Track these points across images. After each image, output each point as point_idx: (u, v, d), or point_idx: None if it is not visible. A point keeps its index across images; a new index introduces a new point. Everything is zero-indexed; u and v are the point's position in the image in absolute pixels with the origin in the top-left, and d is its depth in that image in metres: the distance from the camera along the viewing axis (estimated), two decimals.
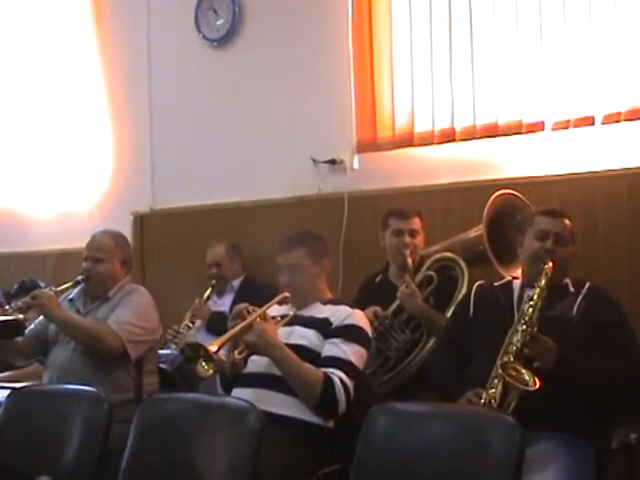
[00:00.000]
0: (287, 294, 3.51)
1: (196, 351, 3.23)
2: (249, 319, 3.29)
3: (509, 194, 3.96)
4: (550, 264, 3.19)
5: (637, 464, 3.14)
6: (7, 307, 3.92)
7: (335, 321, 3.39)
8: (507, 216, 3.83)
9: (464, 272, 3.90)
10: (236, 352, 3.33)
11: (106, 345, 3.76)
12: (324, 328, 3.38)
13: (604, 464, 3.02)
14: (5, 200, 6.56)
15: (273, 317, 3.45)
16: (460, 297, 3.77)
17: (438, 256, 4.02)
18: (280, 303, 3.54)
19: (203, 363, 3.19)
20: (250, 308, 3.36)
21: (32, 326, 4.07)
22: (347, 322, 3.38)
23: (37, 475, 2.69)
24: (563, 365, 2.95)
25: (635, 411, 3.22)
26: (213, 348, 3.17)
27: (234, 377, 3.43)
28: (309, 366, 3.25)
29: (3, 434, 3.18)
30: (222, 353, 3.33)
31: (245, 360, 3.41)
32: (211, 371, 3.21)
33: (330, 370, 3.24)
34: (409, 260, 3.98)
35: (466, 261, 3.93)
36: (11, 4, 6.49)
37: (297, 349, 3.29)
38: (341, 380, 3.22)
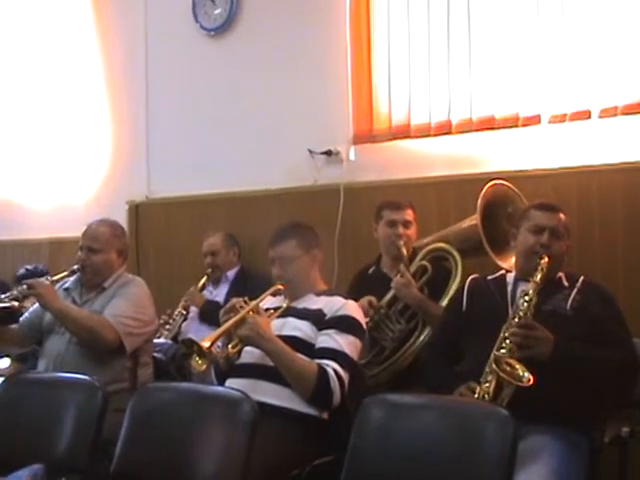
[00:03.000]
0: (280, 286, 3.51)
1: (190, 347, 3.23)
2: (241, 313, 3.28)
3: (501, 184, 3.96)
4: (546, 259, 3.19)
5: (629, 457, 3.14)
6: (2, 296, 3.90)
7: (329, 312, 3.39)
8: (499, 207, 3.84)
9: (457, 262, 3.91)
10: (230, 346, 3.31)
11: (102, 337, 3.74)
12: (318, 319, 3.38)
13: (597, 457, 3.04)
14: (3, 189, 6.55)
15: (267, 309, 3.45)
16: (454, 288, 3.78)
17: (432, 247, 4.03)
18: (274, 295, 3.54)
19: (197, 358, 3.19)
20: (243, 302, 3.35)
21: (26, 314, 4.04)
22: (340, 313, 3.38)
23: (30, 463, 2.69)
24: (561, 355, 2.96)
25: (628, 405, 3.23)
26: (206, 344, 3.17)
27: (228, 370, 3.43)
28: (303, 358, 3.25)
29: None
30: (217, 345, 3.33)
31: (239, 352, 3.40)
32: (204, 366, 3.20)
33: (324, 362, 3.24)
34: (403, 250, 3.99)
35: (459, 251, 3.94)
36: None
37: (290, 340, 3.29)
38: (335, 371, 3.22)
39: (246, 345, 3.32)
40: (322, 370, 3.21)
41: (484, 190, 3.88)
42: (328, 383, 3.20)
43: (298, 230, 3.62)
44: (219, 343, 3.33)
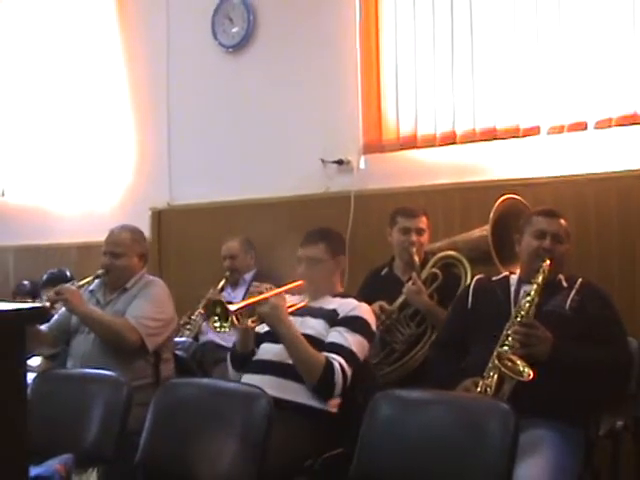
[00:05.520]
0: (300, 282, 3.55)
1: (214, 307, 3.25)
2: (268, 294, 3.32)
3: (512, 199, 3.94)
4: (548, 262, 3.20)
5: (623, 449, 3.14)
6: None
7: (342, 312, 3.42)
8: (510, 219, 3.81)
9: (467, 270, 3.90)
10: (250, 320, 3.35)
11: (125, 339, 3.76)
12: (331, 318, 3.41)
13: (592, 449, 3.04)
14: (35, 197, 6.59)
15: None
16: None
17: (442, 254, 4.02)
18: (293, 292, 3.56)
19: (216, 320, 3.21)
20: (269, 287, 3.39)
21: (56, 316, 4.06)
22: (353, 314, 3.41)
23: (61, 453, 2.71)
24: (558, 355, 2.97)
25: (622, 399, 3.23)
26: (232, 307, 3.20)
27: (245, 356, 3.46)
28: (313, 349, 3.27)
29: (28, 415, 3.20)
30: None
31: (256, 340, 3.45)
32: (227, 329, 3.23)
33: (332, 356, 3.26)
34: (416, 258, 3.98)
35: (468, 259, 3.93)
36: (40, 10, 6.52)
37: (305, 338, 3.30)
38: (341, 366, 3.24)
39: (263, 323, 3.36)
40: (329, 362, 3.23)
41: (497, 204, 3.85)
42: (333, 375, 3.22)
43: (328, 235, 3.65)
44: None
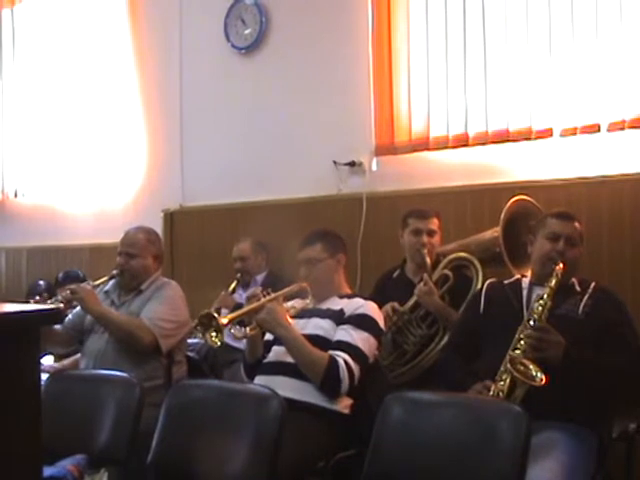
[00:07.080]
0: (304, 284, 3.56)
1: (209, 321, 3.27)
2: (263, 300, 3.36)
3: (523, 200, 3.94)
4: (561, 265, 3.18)
5: (636, 452, 3.14)
6: (49, 301, 3.97)
7: (348, 311, 3.43)
8: (521, 220, 3.81)
9: (478, 271, 3.89)
10: (248, 328, 3.38)
11: (140, 339, 3.78)
12: (338, 317, 3.42)
13: (605, 452, 3.03)
14: (48, 199, 6.62)
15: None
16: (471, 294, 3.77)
17: (454, 256, 4.00)
18: (297, 294, 3.58)
19: (213, 333, 3.24)
20: (266, 292, 3.43)
21: (70, 316, 4.09)
22: (359, 312, 3.42)
23: (74, 454, 2.72)
24: (571, 359, 2.95)
25: (635, 403, 3.23)
26: (224, 320, 3.23)
27: (255, 362, 3.48)
28: (316, 349, 3.28)
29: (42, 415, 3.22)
30: (237, 327, 3.42)
31: (266, 346, 3.47)
32: (219, 342, 3.25)
33: (336, 352, 3.27)
34: (427, 259, 3.97)
35: (480, 261, 3.92)
36: (54, 14, 6.55)
37: (313, 338, 3.32)
38: (345, 362, 3.24)
39: (262, 329, 3.38)
40: (333, 360, 3.24)
41: (508, 205, 3.84)
42: (337, 372, 3.23)
43: (325, 235, 3.66)
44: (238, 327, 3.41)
